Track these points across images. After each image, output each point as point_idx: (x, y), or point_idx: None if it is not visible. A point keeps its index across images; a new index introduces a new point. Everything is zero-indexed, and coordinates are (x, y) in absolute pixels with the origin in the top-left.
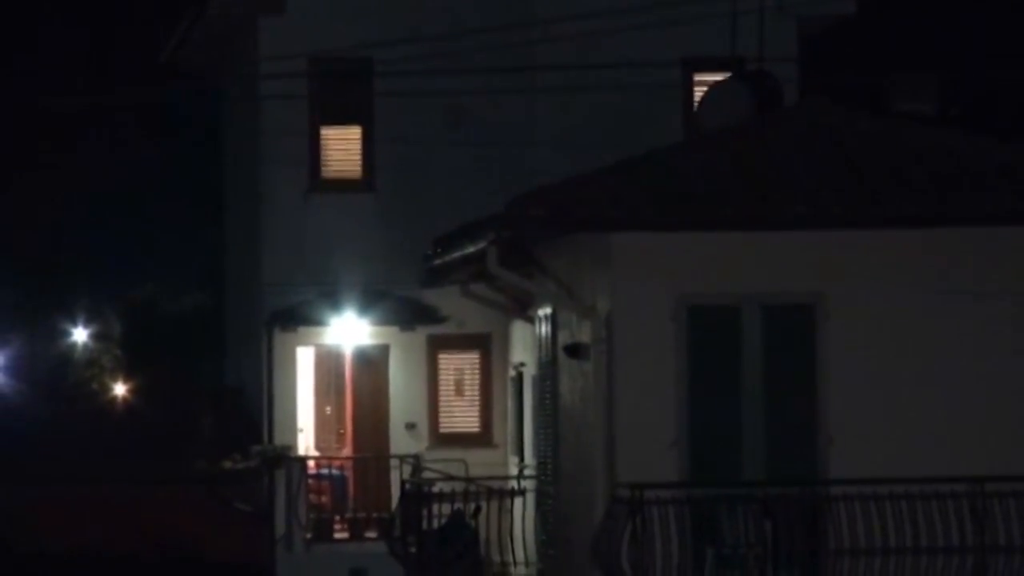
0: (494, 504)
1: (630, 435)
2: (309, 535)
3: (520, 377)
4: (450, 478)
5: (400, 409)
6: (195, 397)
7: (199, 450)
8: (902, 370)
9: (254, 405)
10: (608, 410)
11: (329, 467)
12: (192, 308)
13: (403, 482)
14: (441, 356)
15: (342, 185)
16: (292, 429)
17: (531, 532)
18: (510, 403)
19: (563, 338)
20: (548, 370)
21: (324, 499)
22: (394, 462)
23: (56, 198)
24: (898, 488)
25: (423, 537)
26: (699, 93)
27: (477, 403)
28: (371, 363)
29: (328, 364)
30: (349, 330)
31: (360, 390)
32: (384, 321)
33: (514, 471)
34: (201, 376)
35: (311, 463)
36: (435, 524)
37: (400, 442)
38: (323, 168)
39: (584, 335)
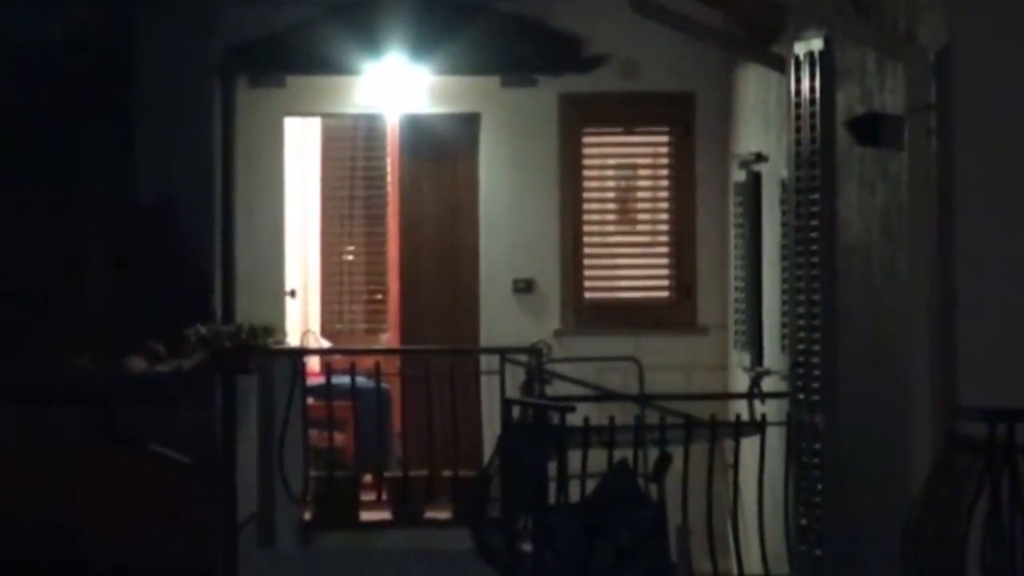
0: (699, 451)
1: (986, 307)
2: (308, 514)
3: (756, 183)
4: (607, 397)
5: (502, 251)
6: (76, 223)
7: (81, 333)
8: None
9: (195, 240)
10: (941, 253)
11: (352, 371)
12: (70, 40)
13: (506, 403)
14: (589, 139)
15: None
16: (276, 292)
17: (776, 508)
18: (734, 240)
19: (845, 103)
20: (815, 170)
21: (342, 439)
22: (490, 362)
23: None
24: None
25: (550, 518)
26: None
27: (664, 240)
28: (443, 154)
29: (351, 155)
30: (396, 85)
31: (416, 210)
32: (469, 66)
33: (743, 383)
34: (90, 182)
35: (313, 362)
36: (575, 493)
37: (502, 322)
38: None
39: (891, 97)
